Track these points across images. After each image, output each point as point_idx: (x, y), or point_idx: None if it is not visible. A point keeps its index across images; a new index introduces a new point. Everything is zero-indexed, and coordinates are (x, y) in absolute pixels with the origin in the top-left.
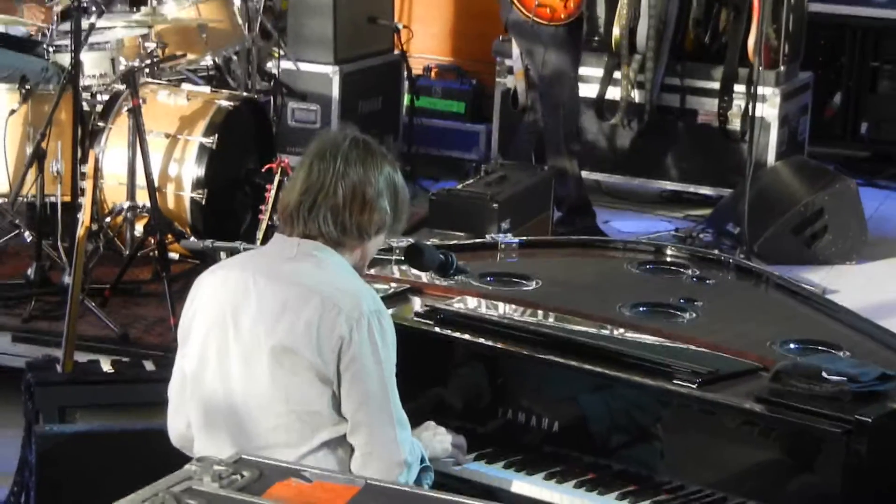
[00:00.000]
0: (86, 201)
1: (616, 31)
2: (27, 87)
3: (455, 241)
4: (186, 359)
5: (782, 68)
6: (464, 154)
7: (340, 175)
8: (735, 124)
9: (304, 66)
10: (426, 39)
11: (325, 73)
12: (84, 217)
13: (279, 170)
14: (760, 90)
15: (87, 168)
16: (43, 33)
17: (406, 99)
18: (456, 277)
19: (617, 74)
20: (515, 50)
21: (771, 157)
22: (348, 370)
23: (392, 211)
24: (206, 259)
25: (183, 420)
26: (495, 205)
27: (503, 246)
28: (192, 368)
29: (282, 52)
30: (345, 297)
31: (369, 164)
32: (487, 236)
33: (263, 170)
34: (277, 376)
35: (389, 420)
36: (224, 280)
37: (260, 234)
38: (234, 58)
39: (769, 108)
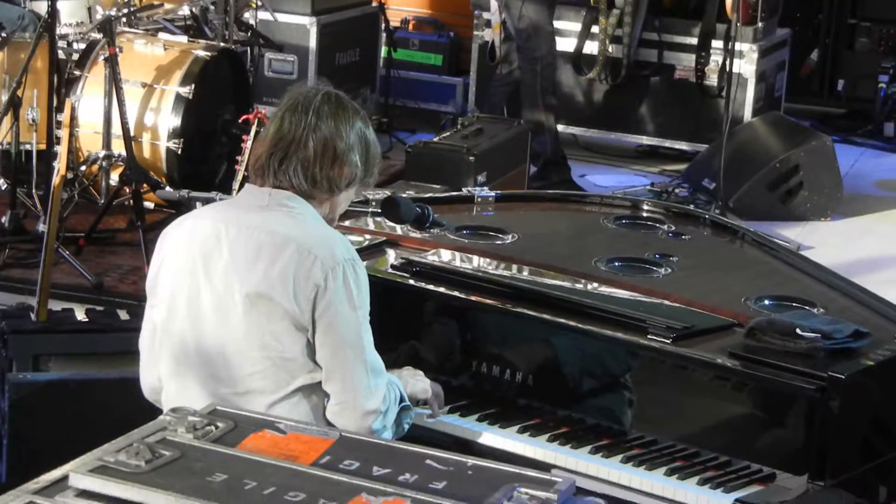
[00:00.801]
0: (62, 150)
1: None
2: (3, 34)
3: (431, 194)
4: (155, 309)
5: (760, 24)
6: (441, 107)
7: (312, 128)
8: (712, 80)
9: (281, 17)
10: None
11: (302, 24)
12: (60, 166)
13: (256, 121)
14: (738, 46)
15: (64, 117)
16: None
17: (384, 51)
18: (432, 230)
19: (595, 29)
20: (493, 3)
21: (747, 114)
22: (323, 317)
23: (363, 165)
24: (180, 209)
25: (154, 373)
26: (472, 158)
27: (479, 199)
28: (162, 318)
29: (259, 3)
30: (320, 245)
31: (341, 118)
32: (464, 189)
33: (240, 120)
34: (252, 323)
35: (364, 367)
36: (193, 229)
37: (236, 185)
38: (212, 7)
39: (746, 65)
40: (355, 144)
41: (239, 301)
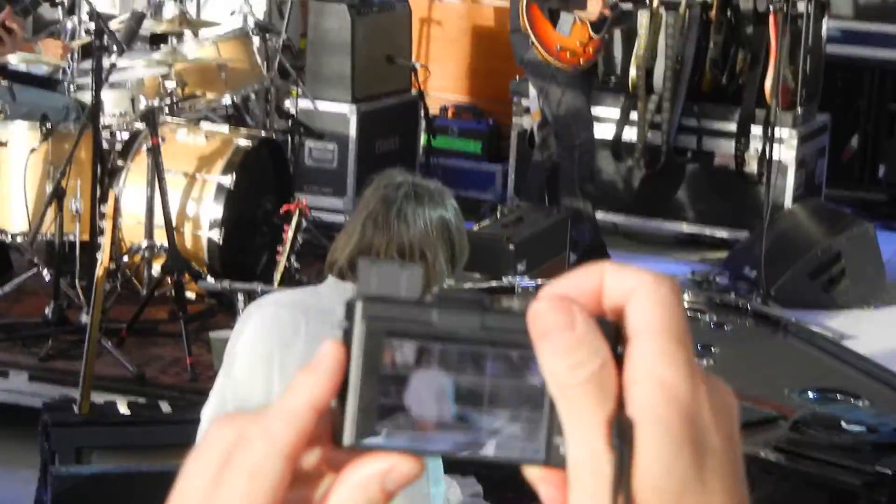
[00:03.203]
0: (105, 241)
1: (633, 72)
2: (48, 125)
3: (471, 284)
4: (229, 386)
5: (799, 110)
6: (480, 194)
7: (395, 239)
8: (752, 166)
9: (321, 105)
10: (443, 79)
11: (342, 113)
12: (103, 257)
13: (297, 211)
14: (777, 132)
15: (107, 208)
16: (63, 71)
17: (423, 138)
18: None
19: (633, 115)
20: (532, 90)
21: (788, 200)
22: None
23: (449, 263)
24: (222, 299)
25: None
26: (512, 246)
27: (521, 289)
28: (234, 396)
29: (300, 91)
30: None
31: (424, 220)
32: (504, 279)
33: (281, 210)
34: None
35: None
36: (274, 316)
37: (277, 276)
38: (253, 97)
39: (786, 151)
40: (440, 245)
41: None
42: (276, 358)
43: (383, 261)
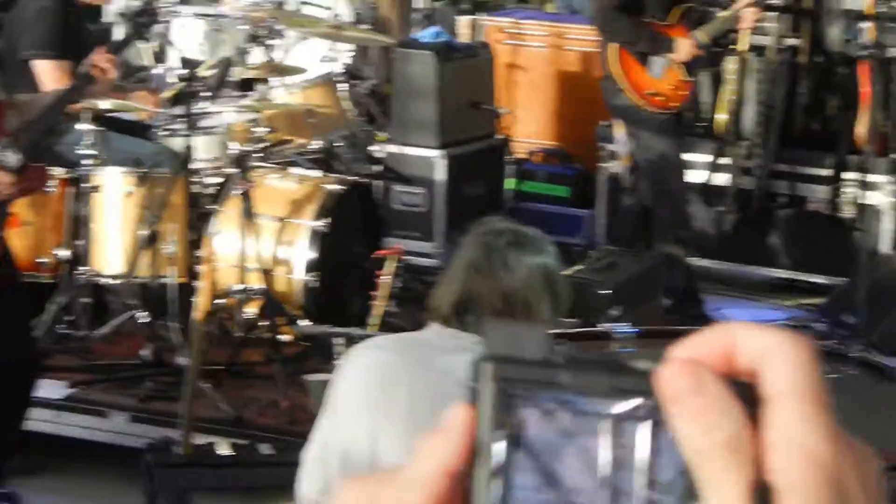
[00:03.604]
0: (202, 285)
1: (721, 117)
2: (141, 170)
3: (564, 329)
4: (332, 432)
5: (893, 155)
6: (568, 239)
7: (498, 287)
8: (846, 212)
9: (409, 150)
10: (529, 124)
11: (429, 157)
12: (201, 301)
13: (391, 256)
14: (871, 177)
15: (204, 253)
16: (155, 117)
17: (510, 183)
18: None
19: (724, 160)
20: (620, 135)
21: (885, 245)
22: None
23: (552, 310)
24: (318, 343)
25: (316, 486)
26: (605, 292)
27: (617, 335)
28: (338, 441)
29: (386, 136)
30: None
31: (526, 267)
32: (599, 325)
33: (375, 255)
34: None
35: None
36: (377, 361)
37: (372, 321)
38: (340, 142)
39: (881, 196)
40: (543, 291)
41: (411, 446)
42: (379, 403)
43: (509, 321)
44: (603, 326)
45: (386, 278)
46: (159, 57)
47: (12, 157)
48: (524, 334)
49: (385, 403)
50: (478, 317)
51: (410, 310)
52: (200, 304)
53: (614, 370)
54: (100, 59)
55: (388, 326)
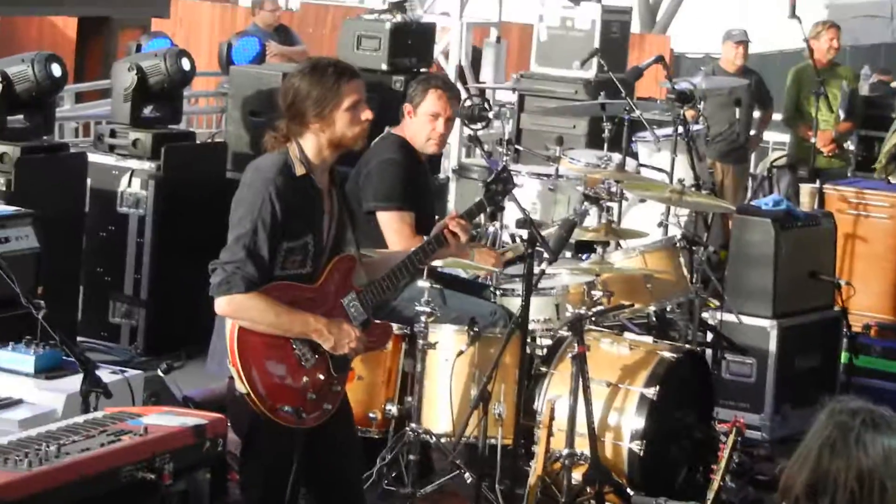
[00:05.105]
0: (539, 450)
1: None
2: (475, 329)
3: None
4: None
5: None
6: None
7: (853, 466)
8: None
9: (742, 318)
10: (867, 297)
11: (762, 327)
12: (536, 466)
13: (733, 429)
14: None
15: (543, 417)
16: (491, 277)
17: (844, 357)
18: None
19: None
20: None
21: None
22: None
23: None
24: None
25: None
26: None
27: None
28: None
29: (719, 303)
30: None
31: (883, 448)
32: None
33: (718, 428)
34: None
35: None
36: None
37: (711, 495)
38: (676, 308)
39: None
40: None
41: None
42: None
43: None
44: None
45: (725, 452)
46: (494, 215)
47: (359, 313)
48: None
49: None
50: (831, 498)
51: (738, 483)
52: (536, 469)
53: None
54: (453, 223)
55: (721, 502)
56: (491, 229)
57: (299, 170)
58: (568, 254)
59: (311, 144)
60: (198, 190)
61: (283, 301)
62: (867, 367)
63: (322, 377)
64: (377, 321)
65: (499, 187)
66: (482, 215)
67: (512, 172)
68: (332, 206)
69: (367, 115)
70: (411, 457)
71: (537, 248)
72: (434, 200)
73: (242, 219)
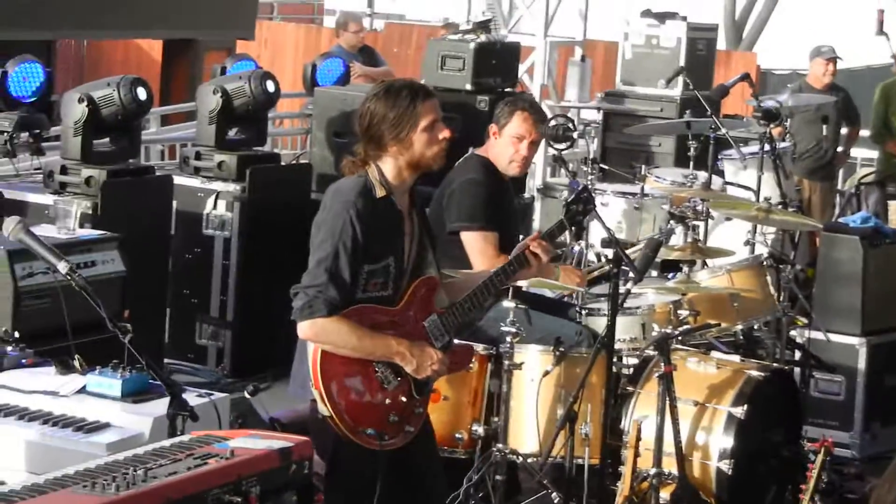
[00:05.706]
0: (626, 470)
1: None
2: (561, 349)
3: None
4: None
5: None
6: None
7: None
8: None
9: (830, 337)
10: None
11: (851, 344)
12: (623, 485)
13: (822, 449)
14: None
15: (629, 437)
16: (577, 296)
17: None
18: None
19: None
20: None
21: None
22: None
23: None
24: None
25: None
26: None
27: None
28: None
29: (807, 322)
30: None
31: None
32: None
33: (806, 447)
34: None
35: None
36: None
37: None
38: (763, 326)
39: None
40: None
41: None
42: None
43: None
44: None
45: (814, 471)
46: (579, 234)
47: (441, 335)
48: None
49: None
50: None
51: (828, 503)
52: (623, 490)
53: None
54: (535, 244)
55: None
56: (576, 248)
57: (379, 192)
58: (654, 273)
59: (390, 167)
60: (283, 211)
61: (365, 324)
62: None
63: (404, 399)
64: (460, 342)
65: (579, 207)
66: (566, 235)
67: (595, 192)
68: (412, 228)
69: (444, 133)
70: (498, 477)
71: (623, 268)
72: (518, 220)
73: (323, 242)
